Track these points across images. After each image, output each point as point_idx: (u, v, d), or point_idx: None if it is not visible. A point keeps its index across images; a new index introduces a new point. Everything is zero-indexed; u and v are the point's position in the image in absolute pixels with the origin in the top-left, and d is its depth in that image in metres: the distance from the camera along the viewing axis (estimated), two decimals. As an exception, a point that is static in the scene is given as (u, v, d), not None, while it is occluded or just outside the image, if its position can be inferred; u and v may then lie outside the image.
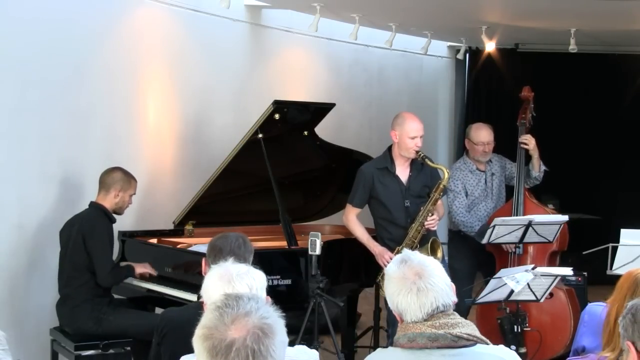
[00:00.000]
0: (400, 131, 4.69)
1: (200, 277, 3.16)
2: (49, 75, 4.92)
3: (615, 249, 4.33)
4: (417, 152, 4.67)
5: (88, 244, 4.51)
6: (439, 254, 4.60)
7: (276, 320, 1.64)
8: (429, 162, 4.66)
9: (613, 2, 5.79)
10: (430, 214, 4.65)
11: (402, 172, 4.79)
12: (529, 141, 5.31)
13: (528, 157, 5.39)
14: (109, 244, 4.60)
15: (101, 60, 5.36)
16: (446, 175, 4.69)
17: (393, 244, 4.71)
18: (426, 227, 4.65)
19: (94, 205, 4.65)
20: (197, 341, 1.62)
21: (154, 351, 3.28)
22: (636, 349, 1.79)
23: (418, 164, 4.76)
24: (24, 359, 4.52)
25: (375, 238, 4.84)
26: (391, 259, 4.53)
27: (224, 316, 1.62)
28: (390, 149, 4.82)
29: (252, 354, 1.56)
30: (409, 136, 4.66)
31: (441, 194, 4.69)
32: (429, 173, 4.78)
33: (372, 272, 4.84)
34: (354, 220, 4.85)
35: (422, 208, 4.67)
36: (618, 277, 2.68)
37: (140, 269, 4.76)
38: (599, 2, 5.82)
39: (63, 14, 5.02)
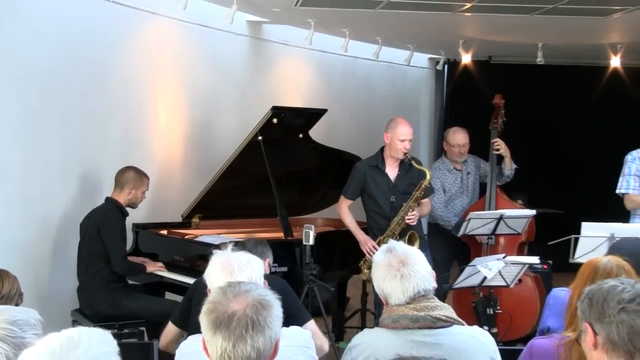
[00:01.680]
0: (392, 134, 4.71)
1: (205, 264, 3.17)
2: (71, 84, 4.93)
3: (577, 240, 4.35)
4: (405, 154, 4.69)
5: (103, 235, 4.51)
6: (415, 246, 4.60)
7: (273, 298, 1.68)
8: (414, 164, 4.69)
9: (575, 19, 5.82)
10: (411, 210, 4.68)
11: (392, 170, 4.81)
12: (500, 145, 5.33)
13: (500, 157, 5.40)
14: (121, 235, 4.60)
15: (118, 69, 5.36)
16: (428, 177, 4.70)
17: (380, 234, 4.74)
18: (406, 221, 4.67)
19: (109, 200, 4.66)
20: (202, 316, 1.65)
21: (183, 303, 3.25)
22: (592, 329, 1.81)
23: (406, 165, 4.77)
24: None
25: (365, 229, 4.87)
26: (373, 246, 4.62)
27: (227, 293, 1.66)
28: (382, 149, 4.84)
29: (251, 323, 1.60)
30: (399, 139, 4.68)
31: (422, 192, 4.70)
32: (416, 173, 4.78)
33: (359, 261, 4.86)
34: (346, 211, 4.88)
35: (404, 204, 4.69)
36: (579, 265, 2.68)
37: (152, 267, 4.76)
38: (563, 19, 5.85)
39: (84, 28, 5.02)
